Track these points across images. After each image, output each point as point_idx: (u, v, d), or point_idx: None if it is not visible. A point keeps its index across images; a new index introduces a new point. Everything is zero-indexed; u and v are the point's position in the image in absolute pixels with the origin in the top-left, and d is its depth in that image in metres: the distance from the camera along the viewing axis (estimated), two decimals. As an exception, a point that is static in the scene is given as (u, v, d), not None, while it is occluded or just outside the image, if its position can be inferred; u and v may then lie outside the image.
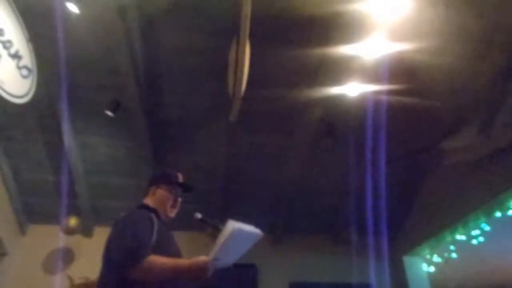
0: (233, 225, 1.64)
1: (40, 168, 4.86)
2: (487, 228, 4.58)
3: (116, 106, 4.11)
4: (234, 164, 4.93)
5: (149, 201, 2.11)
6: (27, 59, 3.10)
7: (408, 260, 5.65)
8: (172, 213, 2.13)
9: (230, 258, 1.77)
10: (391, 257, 5.69)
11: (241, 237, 1.71)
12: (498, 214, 4.26)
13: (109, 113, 4.08)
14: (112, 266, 1.73)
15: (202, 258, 1.70)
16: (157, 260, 1.69)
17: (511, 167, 3.85)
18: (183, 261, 1.76)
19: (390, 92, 4.00)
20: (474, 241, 4.85)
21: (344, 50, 3.64)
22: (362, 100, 4.16)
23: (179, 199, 2.17)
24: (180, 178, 2.22)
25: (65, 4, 3.29)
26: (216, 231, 2.07)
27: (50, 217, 5.11)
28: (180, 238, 2.12)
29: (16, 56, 2.94)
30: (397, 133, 4.44)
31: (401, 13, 3.34)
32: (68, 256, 5.21)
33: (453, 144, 4.45)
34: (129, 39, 3.65)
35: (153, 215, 1.95)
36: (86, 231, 5.29)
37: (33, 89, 3.17)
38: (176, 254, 1.93)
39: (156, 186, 2.14)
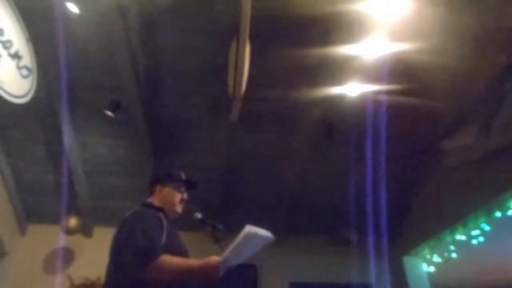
0: (249, 228, 1.66)
1: (40, 168, 4.86)
2: (487, 228, 4.58)
3: (116, 106, 4.11)
4: (234, 164, 4.93)
5: (154, 200, 2.12)
6: (27, 59, 3.10)
7: (408, 260, 5.65)
8: (179, 209, 2.14)
9: (240, 259, 1.79)
10: (391, 257, 5.68)
11: (254, 240, 1.74)
12: (498, 214, 4.26)
13: (109, 113, 4.09)
14: (124, 267, 1.72)
15: (214, 258, 1.72)
16: (170, 260, 1.70)
17: (511, 167, 3.86)
18: (195, 261, 1.77)
19: (390, 92, 4.00)
20: (474, 241, 4.85)
21: (344, 50, 3.64)
22: (362, 100, 4.16)
23: (185, 196, 2.19)
24: (183, 175, 2.24)
25: (65, 4, 3.29)
26: (216, 231, 2.08)
27: (50, 217, 5.10)
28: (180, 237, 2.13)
29: (16, 56, 2.94)
30: (397, 133, 4.44)
31: (401, 13, 3.34)
32: (68, 256, 5.21)
33: (453, 144, 4.45)
34: (129, 39, 3.65)
35: (161, 215, 1.96)
36: (86, 231, 5.29)
37: (33, 89, 3.17)
38: (184, 253, 1.94)
39: (161, 185, 2.16)
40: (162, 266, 1.66)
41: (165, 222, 1.92)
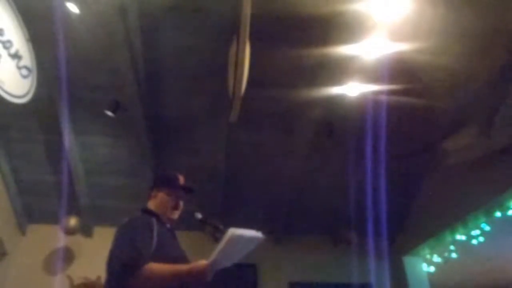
0: (232, 232, 1.63)
1: (40, 168, 4.86)
2: (487, 228, 4.58)
3: (116, 106, 4.11)
4: (234, 164, 4.93)
5: (151, 205, 2.11)
6: (27, 59, 3.10)
7: (408, 260, 5.66)
8: (175, 215, 2.11)
9: (230, 261, 1.78)
10: (391, 257, 5.69)
11: (241, 242, 1.71)
12: (498, 214, 4.26)
13: (109, 113, 4.09)
14: (113, 277, 1.74)
15: (201, 262, 1.71)
16: (156, 267, 1.69)
17: (511, 167, 3.86)
18: (182, 267, 1.76)
19: (390, 92, 4.00)
20: (474, 241, 4.85)
21: (344, 50, 3.64)
22: (362, 100, 4.16)
23: (181, 201, 2.15)
24: (181, 179, 2.20)
25: (65, 4, 3.29)
26: (216, 231, 2.07)
27: (50, 217, 5.11)
28: (180, 237, 2.12)
29: (16, 56, 2.94)
30: (397, 133, 4.44)
31: (401, 13, 3.34)
32: (68, 256, 5.21)
33: (453, 144, 4.45)
34: (129, 39, 3.65)
35: (153, 220, 1.93)
36: (86, 231, 5.29)
37: (33, 89, 3.17)
38: (180, 258, 1.91)
39: (157, 189, 2.13)
40: (148, 275, 1.65)
41: (156, 228, 1.88)
